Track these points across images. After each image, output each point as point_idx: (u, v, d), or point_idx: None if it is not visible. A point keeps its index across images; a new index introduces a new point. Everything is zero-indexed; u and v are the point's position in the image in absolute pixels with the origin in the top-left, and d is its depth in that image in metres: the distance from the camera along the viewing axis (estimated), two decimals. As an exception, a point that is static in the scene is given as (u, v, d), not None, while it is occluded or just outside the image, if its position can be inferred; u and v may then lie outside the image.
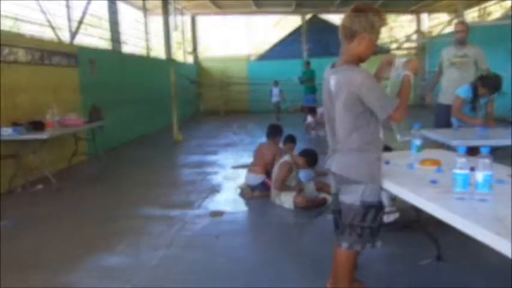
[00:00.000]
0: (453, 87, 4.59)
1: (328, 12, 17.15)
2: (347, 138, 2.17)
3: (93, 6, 8.92)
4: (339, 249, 2.32)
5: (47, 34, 7.45)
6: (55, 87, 6.65)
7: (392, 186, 2.19)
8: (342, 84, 2.11)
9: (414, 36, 18.07)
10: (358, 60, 2.17)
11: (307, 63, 12.52)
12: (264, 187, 4.73)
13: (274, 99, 13.57)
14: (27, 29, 6.98)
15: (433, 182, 2.10)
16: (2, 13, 6.01)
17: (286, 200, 4.32)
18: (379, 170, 2.21)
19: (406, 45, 18.36)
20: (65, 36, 7.84)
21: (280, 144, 5.16)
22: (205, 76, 17.28)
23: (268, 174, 4.74)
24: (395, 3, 16.44)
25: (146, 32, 12.42)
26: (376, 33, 2.14)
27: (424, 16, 18.33)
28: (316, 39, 17.57)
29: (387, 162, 2.52)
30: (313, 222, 3.99)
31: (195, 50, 18.01)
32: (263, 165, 4.82)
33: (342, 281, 2.33)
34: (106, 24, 9.98)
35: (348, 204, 2.22)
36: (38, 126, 5.44)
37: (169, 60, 13.69)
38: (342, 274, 2.33)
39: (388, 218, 3.07)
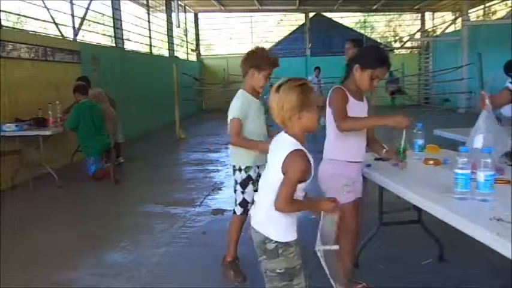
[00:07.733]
0: None
1: (332, 10, 17.09)
2: None
3: (96, 3, 8.92)
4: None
5: (50, 30, 7.46)
6: (58, 83, 6.65)
7: (393, 186, 2.19)
8: None
9: (418, 35, 18.00)
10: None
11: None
12: None
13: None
14: (31, 25, 6.99)
15: None
16: (6, 9, 6.02)
17: None
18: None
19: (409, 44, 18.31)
20: (68, 33, 7.85)
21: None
22: (207, 74, 17.27)
23: None
24: (398, 2, 16.38)
25: (149, 29, 12.41)
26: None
27: (428, 15, 18.25)
28: (320, 37, 17.52)
29: (396, 165, 2.51)
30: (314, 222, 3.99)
31: (197, 47, 17.99)
32: None
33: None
34: (109, 21, 9.98)
35: None
36: (40, 122, 5.46)
37: (172, 58, 13.67)
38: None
39: None
